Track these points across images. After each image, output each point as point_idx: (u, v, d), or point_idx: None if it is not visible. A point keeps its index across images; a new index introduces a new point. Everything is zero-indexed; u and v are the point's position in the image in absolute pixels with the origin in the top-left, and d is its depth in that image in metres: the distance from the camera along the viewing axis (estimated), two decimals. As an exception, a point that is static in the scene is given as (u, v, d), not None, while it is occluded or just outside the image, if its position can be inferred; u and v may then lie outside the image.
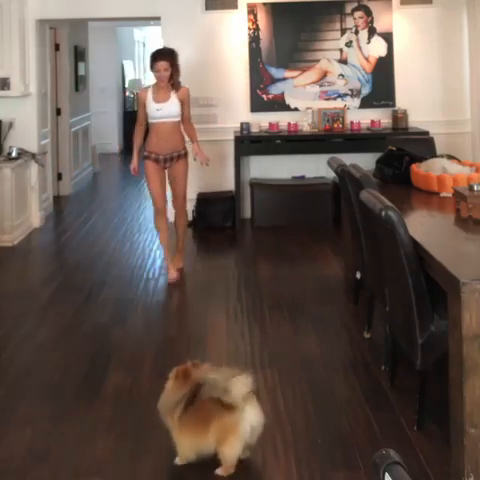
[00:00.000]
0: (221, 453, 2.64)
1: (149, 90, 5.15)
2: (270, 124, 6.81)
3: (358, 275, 4.28)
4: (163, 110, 5.04)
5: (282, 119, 6.87)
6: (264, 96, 6.95)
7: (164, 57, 5.04)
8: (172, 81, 5.05)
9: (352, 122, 6.85)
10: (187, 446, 2.68)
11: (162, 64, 5.00)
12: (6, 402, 3.30)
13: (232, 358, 3.73)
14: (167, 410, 2.71)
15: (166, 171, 5.17)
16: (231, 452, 2.63)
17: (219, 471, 2.65)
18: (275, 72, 6.95)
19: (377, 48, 6.97)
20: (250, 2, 6.90)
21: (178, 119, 5.12)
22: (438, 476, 2.61)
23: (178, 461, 2.72)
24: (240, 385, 2.63)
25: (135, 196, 8.54)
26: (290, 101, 6.95)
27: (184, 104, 5.11)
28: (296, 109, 6.94)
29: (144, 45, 16.24)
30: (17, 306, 4.66)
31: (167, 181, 5.22)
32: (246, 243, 6.35)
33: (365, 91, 6.97)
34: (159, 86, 5.08)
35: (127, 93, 13.66)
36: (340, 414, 3.09)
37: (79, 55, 9.32)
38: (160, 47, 5.32)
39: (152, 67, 5.09)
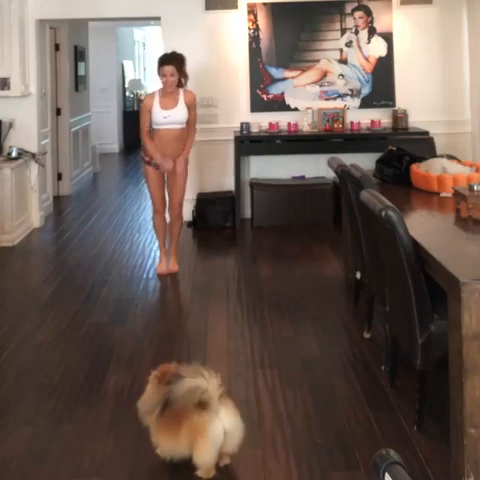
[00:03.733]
0: (194, 455, 2.54)
1: (155, 96, 5.02)
2: (270, 124, 6.81)
3: (358, 275, 4.28)
4: (171, 117, 4.94)
5: (282, 119, 6.87)
6: (264, 96, 6.95)
7: (171, 62, 4.95)
8: (180, 85, 4.99)
9: (352, 122, 6.85)
10: (164, 447, 2.64)
11: (168, 69, 4.90)
12: (6, 402, 3.30)
13: (232, 358, 3.73)
14: (146, 411, 2.70)
15: (165, 176, 5.14)
16: (202, 454, 2.52)
17: (199, 473, 2.57)
18: (275, 72, 6.95)
19: (377, 48, 6.98)
20: (250, 2, 6.91)
21: (184, 126, 5.03)
22: (438, 476, 2.61)
23: (160, 453, 2.68)
24: (216, 384, 2.55)
25: (135, 196, 8.54)
26: (290, 101, 6.95)
27: (191, 109, 5.02)
28: (296, 109, 6.94)
29: (144, 45, 16.25)
30: (17, 306, 4.66)
31: (165, 187, 5.21)
32: (246, 243, 6.35)
33: (365, 91, 6.97)
34: (166, 92, 4.97)
35: (127, 93, 13.66)
36: (340, 414, 3.10)
37: (79, 55, 9.32)
38: (168, 52, 5.22)
39: (159, 72, 4.99)
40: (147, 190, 5.33)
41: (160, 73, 4.96)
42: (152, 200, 5.25)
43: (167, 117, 4.92)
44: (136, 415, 3.12)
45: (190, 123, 5.05)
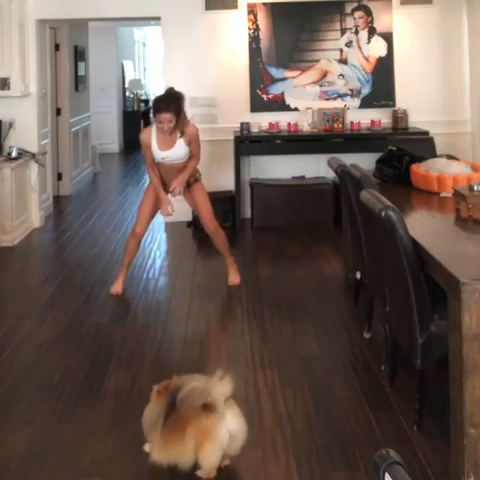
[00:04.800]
0: (200, 457, 2.53)
1: (152, 134, 4.70)
2: (270, 124, 6.81)
3: (358, 275, 4.28)
4: (170, 157, 4.70)
5: (282, 119, 6.87)
6: (264, 96, 6.95)
7: (168, 109, 4.53)
8: (177, 128, 4.63)
9: (352, 122, 6.85)
10: (169, 455, 2.58)
11: (166, 117, 4.53)
12: (6, 402, 3.30)
13: (232, 358, 3.73)
14: (149, 426, 2.66)
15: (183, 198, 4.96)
16: (208, 456, 2.52)
17: (199, 473, 2.58)
18: (275, 72, 6.95)
19: (377, 48, 6.98)
20: (250, 2, 6.91)
21: (187, 159, 4.76)
22: (438, 476, 2.61)
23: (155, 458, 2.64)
24: (221, 388, 2.55)
25: (135, 196, 8.54)
26: (290, 101, 6.95)
27: (192, 144, 4.71)
28: (296, 109, 6.94)
29: (144, 45, 16.26)
30: (17, 306, 4.66)
31: (191, 207, 5.11)
32: (246, 243, 6.34)
33: (365, 91, 6.97)
34: (162, 133, 4.65)
35: (127, 93, 13.66)
36: (340, 414, 3.10)
37: (79, 55, 9.33)
38: (164, 94, 4.81)
39: (154, 115, 4.63)
40: (138, 208, 5.09)
41: (156, 118, 4.59)
42: (136, 219, 4.95)
43: (165, 158, 4.70)
44: (136, 415, 3.12)
45: (192, 154, 4.77)
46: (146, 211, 4.87)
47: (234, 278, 5.01)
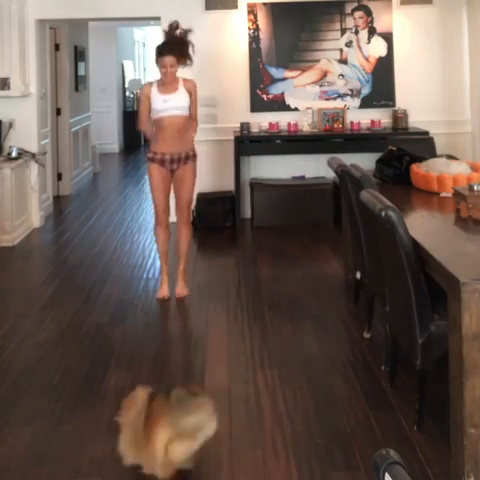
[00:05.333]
0: (165, 455, 2.45)
1: (153, 84, 4.67)
2: (270, 124, 6.81)
3: (358, 275, 4.28)
4: (171, 101, 4.54)
5: (282, 119, 6.87)
6: (264, 96, 6.95)
7: (171, 51, 4.54)
8: (181, 65, 4.63)
9: (352, 122, 6.85)
10: (138, 458, 2.53)
11: (168, 60, 4.52)
12: (6, 402, 3.30)
13: (232, 358, 3.73)
14: (128, 446, 2.57)
15: (172, 177, 4.70)
16: (174, 455, 2.46)
17: (158, 472, 2.48)
18: (275, 72, 6.95)
19: (377, 48, 6.98)
20: (250, 2, 6.91)
21: (187, 113, 4.61)
22: (438, 476, 2.61)
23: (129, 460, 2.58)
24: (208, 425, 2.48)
25: (135, 196, 8.54)
26: (290, 101, 6.95)
27: (192, 96, 4.63)
28: (296, 109, 6.94)
29: (144, 45, 16.26)
30: (17, 306, 4.66)
31: (172, 188, 4.75)
32: (246, 243, 6.35)
33: (365, 91, 6.97)
34: (165, 81, 4.60)
35: (127, 93, 13.66)
36: (340, 414, 3.10)
37: (79, 55, 9.33)
38: (168, 38, 4.75)
39: (157, 61, 4.59)
40: (150, 195, 4.86)
41: (159, 63, 4.56)
42: (154, 207, 4.78)
43: (167, 101, 4.53)
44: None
45: (192, 113, 4.65)
46: (160, 196, 4.68)
47: (182, 289, 4.78)
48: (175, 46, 4.64)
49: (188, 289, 4.81)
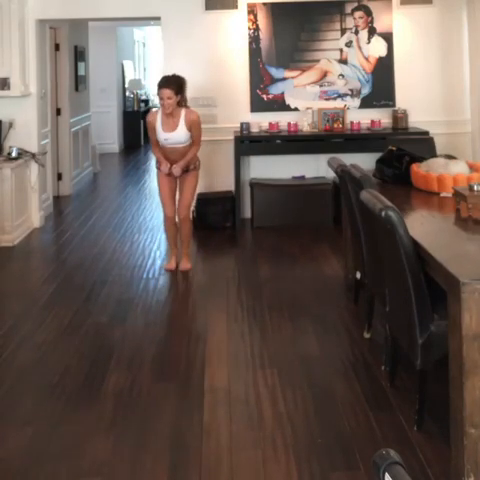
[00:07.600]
0: None
1: (157, 115, 5.16)
2: (270, 124, 6.81)
3: (358, 275, 4.28)
4: (171, 139, 5.11)
5: (282, 119, 6.87)
6: (264, 96, 6.95)
7: (168, 85, 5.03)
8: (179, 109, 5.09)
9: (352, 122, 6.85)
10: None
11: (165, 92, 5.00)
12: (6, 402, 3.30)
13: (232, 358, 3.73)
14: None
15: (177, 181, 5.32)
16: None
17: None
18: (275, 72, 6.95)
19: (377, 48, 6.98)
20: (250, 2, 6.91)
21: (188, 143, 5.17)
22: (438, 476, 2.61)
23: None
24: None
25: (135, 196, 8.54)
26: (290, 101, 6.95)
27: (193, 130, 5.13)
28: (296, 109, 6.94)
29: (144, 45, 16.26)
30: (17, 306, 4.66)
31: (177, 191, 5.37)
32: (246, 243, 6.35)
33: (365, 91, 6.97)
34: (166, 113, 5.09)
35: (127, 93, 13.66)
36: (340, 414, 3.10)
37: (79, 55, 9.32)
38: (168, 75, 5.31)
39: (158, 94, 5.10)
40: (158, 196, 5.52)
41: (159, 95, 5.08)
42: (162, 205, 5.40)
43: (167, 139, 5.10)
44: (136, 415, 3.13)
45: (194, 140, 5.19)
46: (167, 195, 5.28)
47: (185, 264, 5.34)
48: (171, 79, 5.13)
49: (191, 264, 5.39)
